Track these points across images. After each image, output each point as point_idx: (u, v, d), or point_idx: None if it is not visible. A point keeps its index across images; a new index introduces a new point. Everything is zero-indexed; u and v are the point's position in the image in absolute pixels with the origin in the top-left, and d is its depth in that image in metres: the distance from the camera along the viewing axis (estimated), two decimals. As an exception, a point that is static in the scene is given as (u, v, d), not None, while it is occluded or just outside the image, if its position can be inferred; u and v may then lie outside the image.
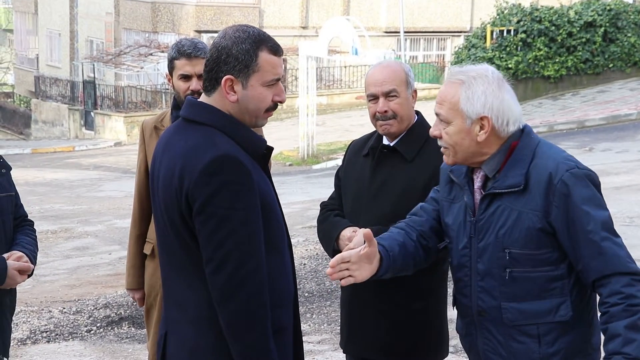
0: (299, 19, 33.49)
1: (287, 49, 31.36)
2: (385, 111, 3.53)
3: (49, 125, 34.47)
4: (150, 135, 4.23)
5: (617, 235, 2.76)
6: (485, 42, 22.25)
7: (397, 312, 3.55)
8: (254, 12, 32.71)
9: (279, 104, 2.80)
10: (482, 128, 2.80)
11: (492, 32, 22.24)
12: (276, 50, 2.76)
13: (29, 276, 3.68)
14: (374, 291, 3.55)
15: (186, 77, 4.05)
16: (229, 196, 2.61)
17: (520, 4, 23.15)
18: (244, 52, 2.70)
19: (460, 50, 22.92)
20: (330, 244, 3.63)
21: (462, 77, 2.83)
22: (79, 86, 33.39)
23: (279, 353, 2.71)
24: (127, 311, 7.41)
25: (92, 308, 7.61)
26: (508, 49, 21.97)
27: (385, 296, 3.54)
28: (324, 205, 3.84)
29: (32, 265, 3.63)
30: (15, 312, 7.40)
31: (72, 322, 7.24)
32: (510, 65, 21.59)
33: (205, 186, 2.61)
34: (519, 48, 22.17)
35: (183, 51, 4.04)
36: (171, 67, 4.11)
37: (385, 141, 3.65)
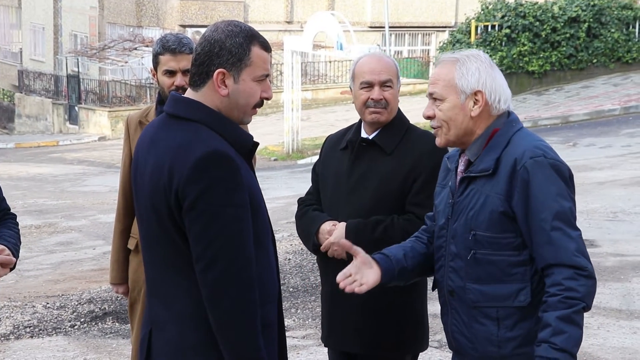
0: (284, 13, 33.46)
1: (272, 43, 31.23)
2: (380, 99, 3.58)
3: (33, 119, 34.30)
4: (135, 130, 4.22)
5: (575, 228, 2.78)
6: (469, 37, 22.30)
7: (376, 305, 3.56)
8: (239, 6, 32.65)
9: (265, 100, 2.81)
10: (475, 103, 2.88)
11: (476, 27, 22.29)
12: (267, 46, 2.79)
13: (11, 269, 3.66)
14: None
15: (171, 73, 4.05)
16: (220, 193, 2.61)
17: (504, 0, 23.20)
18: (237, 46, 2.71)
19: (444, 45, 22.98)
20: (310, 238, 3.64)
21: (456, 56, 2.94)
22: (63, 80, 33.25)
23: (266, 349, 2.72)
24: (111, 306, 7.39)
25: (76, 303, 7.59)
26: (492, 44, 22.04)
27: (367, 290, 3.56)
28: (301, 201, 3.85)
29: (14, 259, 3.60)
30: (-3, 307, 7.44)
31: (56, 317, 7.22)
32: (494, 61, 21.64)
33: (195, 183, 2.60)
34: (503, 43, 22.24)
35: (168, 47, 4.03)
36: (156, 63, 4.10)
37: (363, 134, 3.67)
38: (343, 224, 3.55)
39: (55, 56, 37.25)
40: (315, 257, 3.92)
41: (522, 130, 2.91)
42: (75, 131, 31.14)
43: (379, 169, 3.58)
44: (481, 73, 2.88)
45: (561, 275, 2.72)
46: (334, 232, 3.56)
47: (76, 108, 31.34)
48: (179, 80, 4.00)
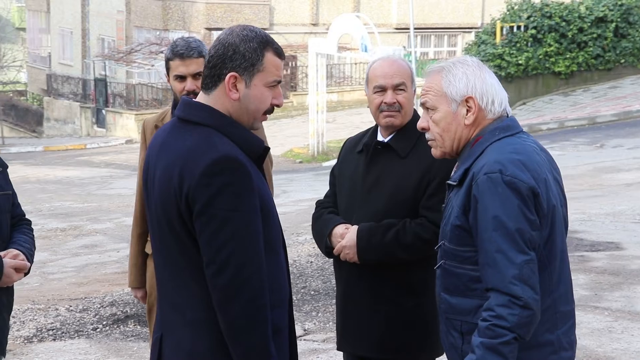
0: (309, 15, 33.49)
1: (298, 46, 31.38)
2: (394, 102, 3.56)
3: (61, 123, 34.59)
4: (152, 133, 4.23)
5: (522, 252, 2.61)
6: (495, 38, 22.18)
7: (390, 309, 3.54)
8: (265, 9, 32.72)
9: (275, 107, 2.80)
10: (468, 110, 2.79)
11: (502, 28, 22.17)
12: (280, 53, 2.78)
13: (26, 274, 3.69)
14: (367, 288, 3.56)
15: (181, 78, 4.06)
16: (230, 198, 2.60)
17: (530, 0, 23.05)
18: (251, 50, 2.70)
19: (470, 46, 22.87)
20: (323, 241, 3.63)
21: (442, 64, 2.85)
22: (91, 84, 33.52)
23: (277, 354, 2.71)
24: (133, 309, 7.42)
25: (99, 306, 7.62)
26: (518, 45, 21.90)
27: (378, 293, 3.55)
28: (319, 203, 3.85)
29: (28, 263, 3.64)
30: (22, 310, 7.50)
31: (79, 320, 7.26)
32: (520, 62, 21.53)
33: (206, 188, 2.59)
34: (529, 44, 22.10)
35: (177, 52, 4.04)
36: (167, 68, 4.12)
37: (379, 137, 3.66)
38: (355, 227, 3.54)
39: (83, 60, 37.55)
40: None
41: (503, 140, 2.76)
42: (102, 134, 31.36)
43: (394, 173, 3.56)
44: (469, 77, 2.79)
45: (495, 300, 2.59)
46: (346, 235, 3.55)
47: (103, 111, 31.57)
48: (189, 84, 4.01)
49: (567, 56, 22.52)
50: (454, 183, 2.79)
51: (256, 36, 2.73)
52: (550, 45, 22.21)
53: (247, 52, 2.70)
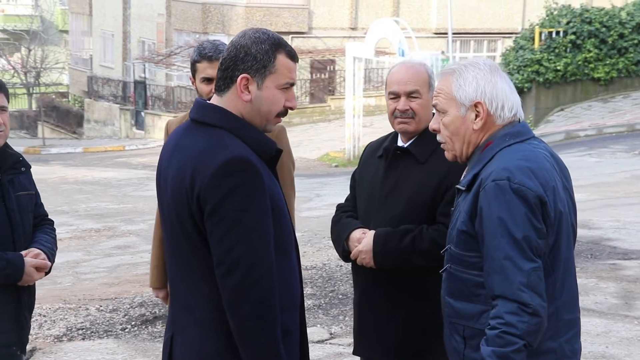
0: (348, 19, 33.48)
1: (336, 50, 31.38)
2: (406, 109, 3.55)
3: (101, 124, 34.95)
4: None
5: (530, 260, 2.60)
6: (533, 43, 22.01)
7: (405, 314, 3.53)
8: (303, 13, 32.79)
9: (289, 110, 2.81)
10: (477, 115, 2.78)
11: (540, 33, 21.99)
12: (293, 55, 2.79)
13: (47, 274, 3.74)
14: (383, 294, 3.55)
15: (208, 80, 4.03)
16: (241, 199, 2.62)
17: (570, 5, 22.86)
18: (262, 52, 2.72)
19: (508, 52, 22.71)
20: (340, 244, 3.63)
21: (454, 67, 2.84)
22: (131, 86, 33.82)
23: (287, 357, 2.71)
24: (162, 310, 7.47)
25: (128, 306, 7.69)
26: (557, 50, 21.71)
27: (394, 299, 3.54)
28: (339, 207, 3.85)
29: (49, 263, 3.69)
30: (53, 309, 7.59)
31: (108, 320, 7.33)
32: (559, 67, 21.34)
33: (217, 189, 2.61)
34: (568, 50, 21.91)
35: (204, 54, 4.03)
36: (193, 70, 4.11)
37: (399, 142, 3.65)
38: (372, 232, 3.54)
39: (124, 62, 37.89)
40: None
41: (513, 146, 2.76)
42: (141, 136, 31.63)
43: (412, 178, 3.55)
44: (479, 81, 2.77)
45: (504, 308, 2.58)
46: (363, 239, 3.55)
47: (142, 113, 31.84)
48: None
49: (607, 62, 22.29)
50: (463, 188, 2.79)
51: (268, 38, 2.75)
52: (589, 51, 21.99)
53: (258, 54, 2.72)
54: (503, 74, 2.82)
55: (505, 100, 2.78)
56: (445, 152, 2.90)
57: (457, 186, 2.86)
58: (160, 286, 4.45)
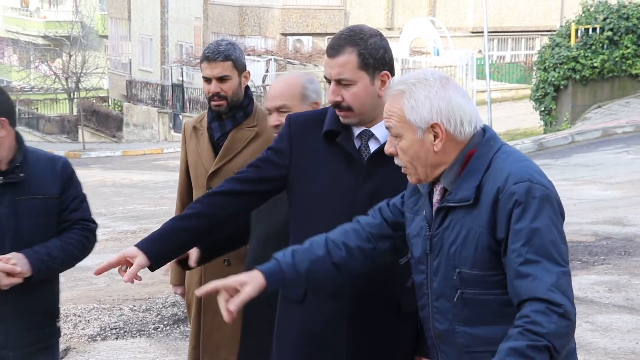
0: (384, 20, 33.46)
1: (372, 50, 31.37)
2: (277, 125, 3.50)
3: (140, 128, 35.30)
4: (190, 135, 4.34)
5: (557, 264, 2.42)
6: (569, 40, 21.81)
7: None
8: (340, 14, 32.84)
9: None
10: (436, 137, 2.56)
11: (576, 30, 21.78)
12: (327, 52, 2.97)
13: (28, 279, 3.53)
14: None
15: (207, 80, 4.17)
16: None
17: (607, 1, 22.61)
18: None
19: (544, 49, 22.52)
20: None
21: (402, 86, 2.60)
22: (169, 90, 34.09)
23: None
24: (194, 309, 7.56)
25: (161, 306, 7.79)
26: (593, 47, 21.47)
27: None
28: None
29: (18, 269, 3.47)
30: (88, 309, 7.71)
31: (141, 320, 7.43)
32: (595, 64, 21.11)
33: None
34: (605, 46, 21.65)
35: (205, 54, 4.17)
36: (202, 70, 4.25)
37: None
38: None
39: (162, 66, 38.22)
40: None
41: (503, 148, 2.58)
42: (179, 139, 31.83)
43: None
44: (432, 101, 2.54)
45: (530, 307, 2.36)
46: None
47: (180, 116, 32.07)
48: (213, 87, 4.12)
49: (645, 58, 22.00)
50: (468, 202, 2.53)
51: None
52: (627, 48, 21.71)
53: None
54: (455, 84, 2.63)
55: (463, 114, 2.57)
56: (408, 176, 2.65)
57: (452, 203, 2.58)
58: (177, 283, 4.53)
